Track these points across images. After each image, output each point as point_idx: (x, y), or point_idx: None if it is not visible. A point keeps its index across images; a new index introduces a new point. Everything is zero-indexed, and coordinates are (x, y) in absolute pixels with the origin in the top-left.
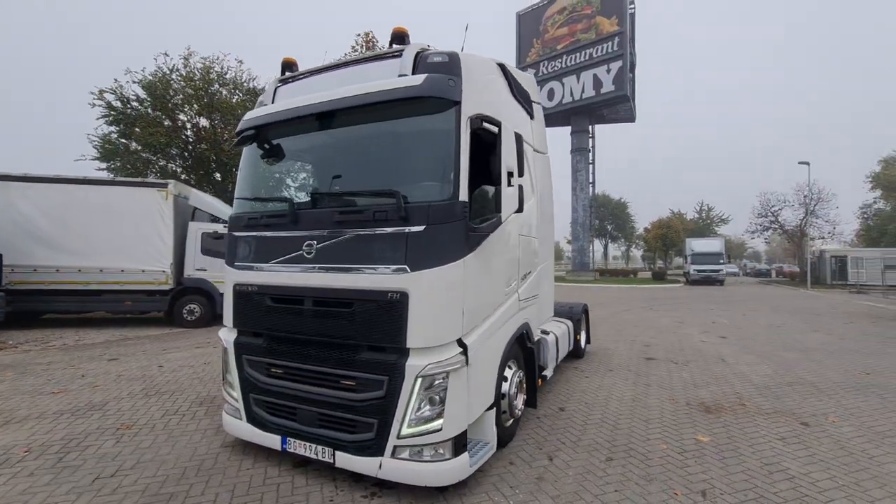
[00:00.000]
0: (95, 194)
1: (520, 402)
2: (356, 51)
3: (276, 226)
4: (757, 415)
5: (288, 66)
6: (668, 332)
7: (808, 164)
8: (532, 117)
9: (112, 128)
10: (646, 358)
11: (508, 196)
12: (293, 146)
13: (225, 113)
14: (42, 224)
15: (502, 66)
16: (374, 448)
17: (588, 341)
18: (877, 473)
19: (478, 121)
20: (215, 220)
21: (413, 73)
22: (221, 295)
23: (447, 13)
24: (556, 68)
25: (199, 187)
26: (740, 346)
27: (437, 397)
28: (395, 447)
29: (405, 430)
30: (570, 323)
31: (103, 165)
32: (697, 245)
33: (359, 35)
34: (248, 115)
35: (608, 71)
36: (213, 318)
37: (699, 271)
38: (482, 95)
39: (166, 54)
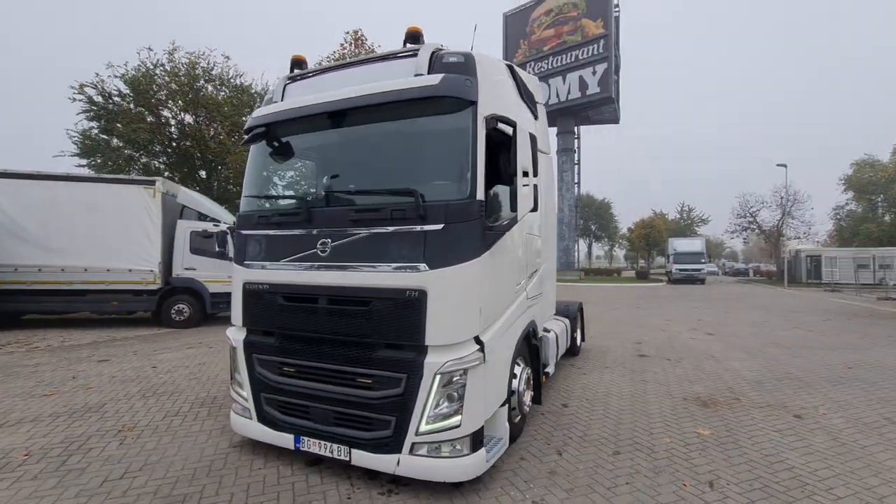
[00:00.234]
0: (80, 191)
1: (527, 398)
2: (345, 49)
3: (288, 224)
4: (752, 408)
5: (297, 63)
6: (657, 329)
7: (785, 166)
8: (536, 118)
9: (93, 123)
10: (639, 355)
11: (524, 195)
12: (305, 144)
13: (211, 109)
14: (24, 222)
15: (511, 67)
16: (392, 445)
17: (583, 339)
18: (870, 463)
19: (493, 121)
20: (203, 218)
21: (428, 72)
22: (211, 295)
23: (417, 13)
24: (542, 69)
25: (184, 185)
26: (728, 342)
27: (456, 394)
28: (413, 444)
29: (423, 427)
30: (567, 321)
31: (83, 162)
32: (680, 245)
33: (347, 33)
34: (259, 112)
35: (594, 73)
36: (202, 319)
37: (681, 270)
38: (495, 96)
39: (150, 48)
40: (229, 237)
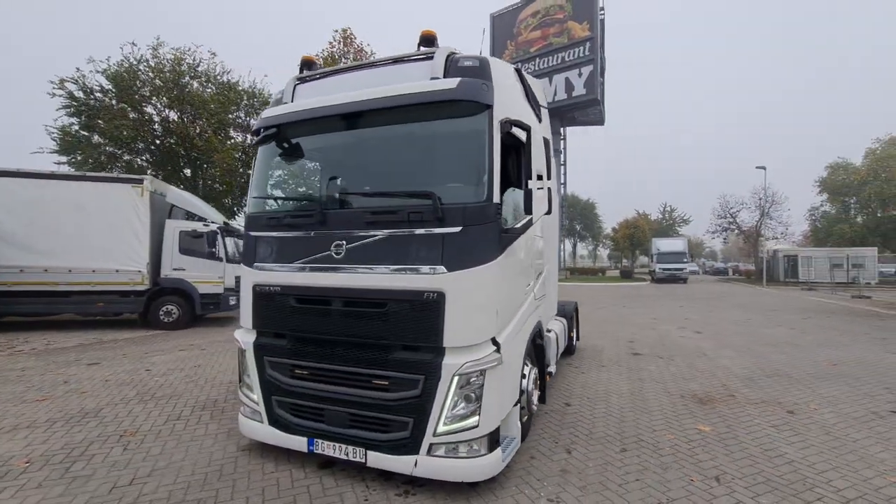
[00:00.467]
0: (65, 190)
1: (535, 398)
2: (334, 47)
3: (300, 226)
4: (747, 405)
5: (307, 64)
6: (646, 328)
7: (764, 168)
8: (540, 121)
9: (73, 119)
10: (633, 353)
11: (538, 198)
12: (318, 145)
13: (197, 107)
14: (5, 221)
15: (518, 71)
16: (410, 446)
17: (577, 338)
18: (863, 455)
19: (508, 125)
20: (192, 217)
21: (444, 76)
22: (201, 296)
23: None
24: (529, 70)
25: (167, 183)
26: (716, 340)
27: (473, 395)
28: (430, 445)
29: (441, 428)
30: (564, 321)
31: (63, 159)
32: (663, 245)
33: (336, 31)
34: (270, 113)
35: (580, 75)
36: (192, 320)
37: (665, 270)
38: (508, 100)
39: (133, 43)
40: (219, 237)
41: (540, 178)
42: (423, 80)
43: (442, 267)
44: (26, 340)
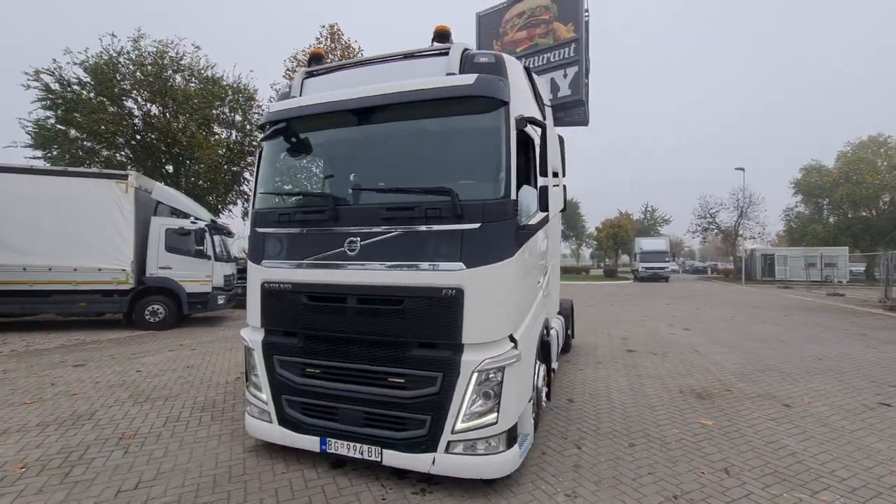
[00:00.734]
0: (46, 185)
1: (544, 394)
2: (320, 43)
3: (312, 222)
4: (744, 399)
5: (316, 58)
6: (637, 325)
7: (742, 169)
8: (545, 119)
9: (49, 113)
10: (627, 350)
11: (554, 195)
12: (330, 140)
13: (181, 102)
14: None
15: (527, 69)
16: (427, 444)
17: (573, 335)
18: (861, 446)
19: (523, 122)
20: (178, 214)
21: (460, 72)
22: (188, 295)
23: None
24: None
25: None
26: (706, 337)
27: (492, 391)
28: (448, 442)
29: (459, 425)
30: (562, 318)
31: (38, 154)
32: (646, 244)
33: (323, 27)
34: (280, 107)
35: (565, 76)
36: (178, 320)
37: (647, 269)
38: (520, 97)
39: (114, 35)
40: (207, 235)
41: (555, 175)
42: (437, 75)
43: (461, 263)
44: (4, 342)
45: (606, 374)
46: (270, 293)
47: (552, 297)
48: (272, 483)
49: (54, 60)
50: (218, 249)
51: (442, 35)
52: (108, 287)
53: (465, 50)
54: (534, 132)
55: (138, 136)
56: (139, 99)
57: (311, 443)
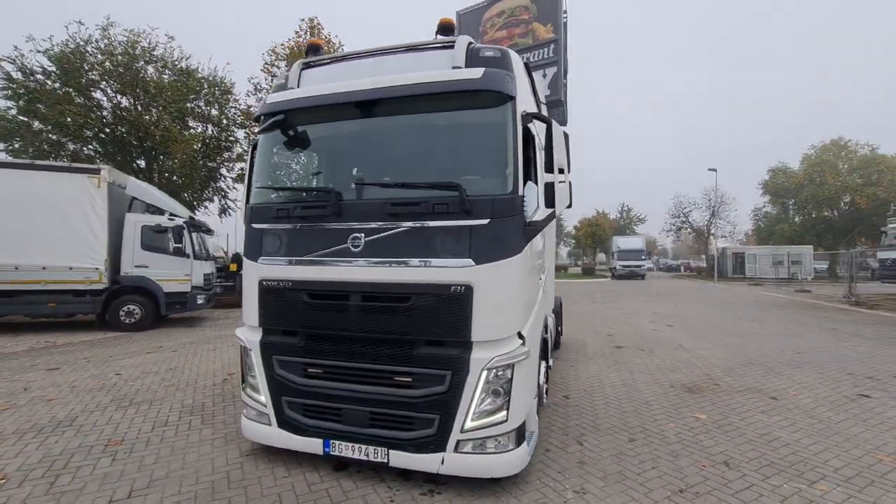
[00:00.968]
0: (12, 179)
1: (544, 391)
2: (300, 37)
3: (313, 217)
4: (733, 392)
5: (314, 48)
6: (621, 322)
7: (715, 170)
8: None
9: (10, 103)
10: (615, 347)
11: (560, 192)
12: (330, 133)
13: (154, 95)
14: None
15: (527, 65)
16: (436, 444)
17: (561, 332)
18: (848, 436)
19: (529, 118)
20: (153, 210)
21: (465, 66)
22: (166, 294)
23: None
24: None
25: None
26: (688, 333)
27: (501, 389)
28: (458, 441)
29: (469, 424)
30: (553, 316)
31: None
32: (623, 243)
33: (303, 20)
34: (278, 98)
35: (544, 76)
36: (155, 321)
37: (625, 267)
38: (523, 92)
39: (81, 22)
40: (186, 232)
41: (561, 171)
42: (443, 68)
43: (470, 259)
44: None
45: (598, 370)
46: (269, 291)
47: (549, 295)
48: (274, 488)
49: (15, 48)
50: (197, 247)
51: (446, 28)
52: (79, 287)
53: (471, 43)
54: (536, 128)
55: (108, 129)
56: (108, 90)
57: (313, 445)
